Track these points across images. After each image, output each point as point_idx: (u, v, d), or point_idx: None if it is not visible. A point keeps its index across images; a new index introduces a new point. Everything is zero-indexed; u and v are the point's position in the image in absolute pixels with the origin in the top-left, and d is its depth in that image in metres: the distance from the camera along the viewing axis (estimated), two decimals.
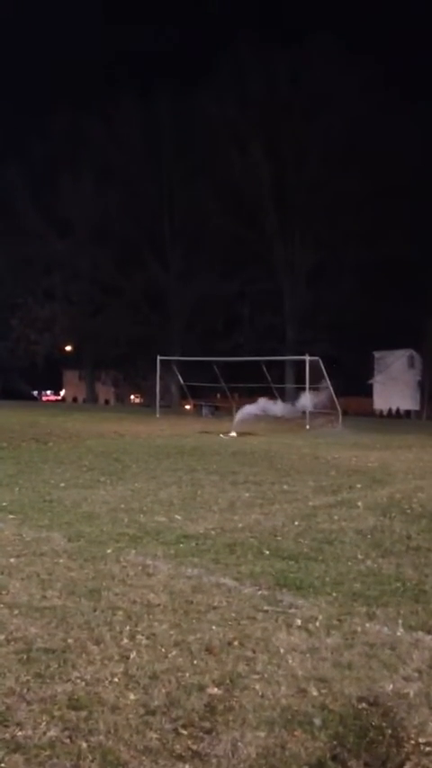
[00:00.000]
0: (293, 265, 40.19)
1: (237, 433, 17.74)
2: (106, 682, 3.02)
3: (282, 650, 3.44)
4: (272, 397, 23.42)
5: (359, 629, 3.78)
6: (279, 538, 5.87)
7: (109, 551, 5.27)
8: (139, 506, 7.20)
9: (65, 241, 44.74)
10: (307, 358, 22.88)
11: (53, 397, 67.53)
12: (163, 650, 3.37)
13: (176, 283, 43.98)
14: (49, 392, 68.30)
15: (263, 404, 20.51)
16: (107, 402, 57.29)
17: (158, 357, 28.85)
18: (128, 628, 3.67)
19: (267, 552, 5.34)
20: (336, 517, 6.82)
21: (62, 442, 14.29)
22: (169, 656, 3.32)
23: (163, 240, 43.77)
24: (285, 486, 8.71)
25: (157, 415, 27.13)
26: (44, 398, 65.38)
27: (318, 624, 3.82)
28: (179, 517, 6.65)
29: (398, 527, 6.42)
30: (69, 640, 3.47)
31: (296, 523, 6.49)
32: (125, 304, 44.23)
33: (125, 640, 3.49)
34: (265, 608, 4.06)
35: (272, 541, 5.72)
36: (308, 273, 39.68)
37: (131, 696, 2.90)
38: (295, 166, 38.42)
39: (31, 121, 52.79)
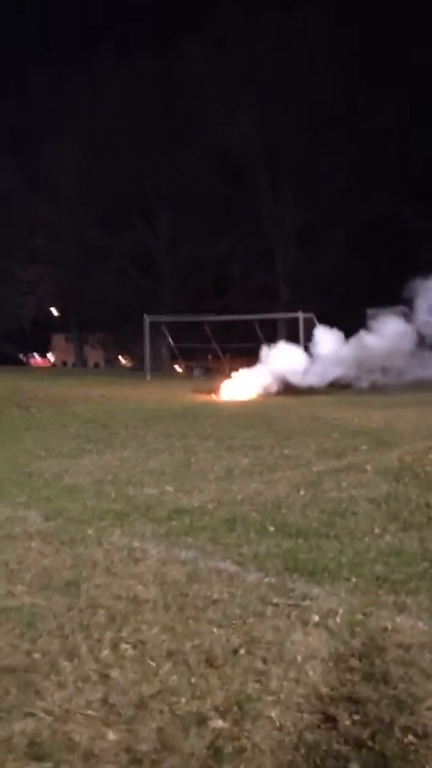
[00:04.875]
0: (284, 224, 39.13)
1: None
2: (79, 715, 2.36)
3: (299, 658, 2.79)
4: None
5: (389, 624, 3.13)
6: (284, 510, 5.20)
7: (91, 532, 4.60)
8: (128, 477, 6.53)
9: (48, 203, 43.42)
10: (301, 315, 22.13)
11: (42, 362, 66.56)
12: (153, 664, 2.71)
13: (165, 244, 42.91)
14: (36, 356, 67.24)
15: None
16: (97, 365, 56.55)
17: (147, 318, 28.01)
18: (110, 634, 3.00)
19: (272, 528, 4.67)
20: (344, 484, 6.16)
21: (46, 407, 13.57)
22: (161, 672, 2.66)
23: (150, 201, 42.54)
24: (286, 451, 8.04)
25: (148, 378, 26.43)
26: (32, 362, 64.40)
27: (339, 620, 3.16)
28: (171, 489, 5.98)
29: (414, 494, 5.77)
30: (36, 654, 2.80)
31: (301, 493, 5.83)
32: (112, 266, 43.20)
33: (106, 651, 2.83)
34: (275, 600, 3.40)
35: (276, 515, 5.06)
36: (299, 232, 38.64)
37: (111, 736, 2.24)
38: (285, 123, 37.10)
39: (8, 82, 50.69)
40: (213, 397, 17.14)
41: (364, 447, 8.32)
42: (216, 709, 2.40)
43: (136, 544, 4.32)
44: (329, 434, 9.49)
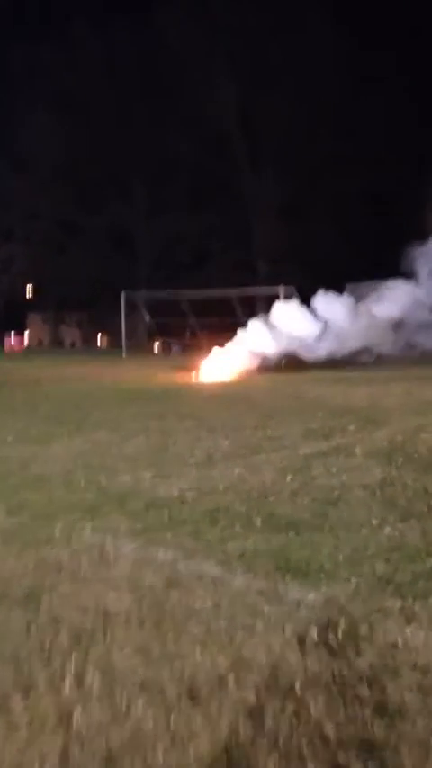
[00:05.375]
0: (264, 198, 38.50)
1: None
2: None
3: (297, 686, 2.35)
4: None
5: (399, 639, 2.70)
6: (271, 499, 4.76)
7: (58, 529, 4.12)
8: (100, 463, 6.06)
9: (22, 178, 42.24)
10: (281, 288, 21.65)
11: (15, 343, 65.46)
12: (123, 702, 2.25)
13: (142, 219, 42.13)
14: (12, 336, 66.11)
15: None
16: (73, 345, 55.75)
17: (124, 294, 27.38)
18: (74, 658, 2.54)
19: (259, 521, 4.23)
20: (334, 469, 5.73)
21: (17, 388, 13.03)
22: (133, 710, 2.21)
23: (127, 174, 41.63)
24: (269, 432, 7.61)
25: (124, 356, 25.87)
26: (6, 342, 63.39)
27: (341, 635, 2.73)
28: (148, 475, 5.52)
29: (409, 479, 5.36)
30: None
31: (288, 479, 5.39)
32: (88, 242, 42.36)
33: (68, 683, 2.37)
34: (265, 609, 2.97)
35: (263, 505, 4.61)
36: (279, 206, 38.04)
37: None
38: (264, 92, 36.28)
39: None
40: (193, 376, 16.65)
41: (352, 427, 7.91)
42: (200, 761, 1.96)
43: (108, 543, 3.85)
44: (314, 414, 9.06)
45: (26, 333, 65.95)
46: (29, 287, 54.14)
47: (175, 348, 30.44)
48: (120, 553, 3.68)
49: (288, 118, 35.34)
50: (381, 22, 32.38)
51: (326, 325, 16.64)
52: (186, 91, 36.62)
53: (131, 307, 29.50)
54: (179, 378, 16.69)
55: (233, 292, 24.88)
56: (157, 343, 36.57)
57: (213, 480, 5.37)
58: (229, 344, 17.91)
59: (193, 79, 36.41)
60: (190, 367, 17.93)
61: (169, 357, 28.26)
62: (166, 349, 34.53)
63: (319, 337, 16.54)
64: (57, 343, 54.02)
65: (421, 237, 17.70)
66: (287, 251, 37.02)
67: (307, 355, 16.61)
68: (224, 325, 25.60)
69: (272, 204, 38.36)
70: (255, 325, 17.46)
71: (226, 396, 11.85)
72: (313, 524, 4.15)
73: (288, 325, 16.47)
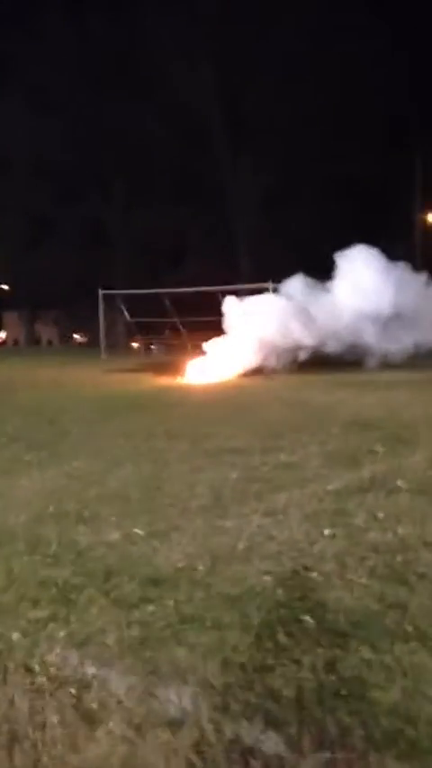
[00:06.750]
0: (246, 190, 37.18)
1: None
2: None
3: None
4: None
5: None
6: (315, 577, 3.43)
7: (13, 640, 2.78)
8: (77, 508, 4.71)
9: None
10: (270, 285, 20.37)
11: None
12: None
13: (119, 214, 40.68)
14: None
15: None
16: (50, 343, 54.31)
17: (101, 292, 25.95)
18: None
19: (311, 621, 2.91)
20: (380, 514, 4.43)
21: None
22: None
23: (103, 167, 40.09)
24: (282, 456, 6.29)
25: (103, 356, 24.47)
26: None
27: None
28: (140, 531, 4.17)
29: None
30: None
31: (327, 533, 4.08)
32: (64, 238, 40.83)
33: None
34: None
35: (306, 588, 3.28)
36: (261, 198, 36.76)
37: None
38: (247, 82, 34.93)
39: None
40: (178, 378, 15.33)
41: (379, 448, 6.61)
42: None
43: (89, 674, 2.51)
44: (328, 429, 7.76)
45: (1, 332, 64.32)
46: (4, 285, 52.44)
47: (156, 347, 29.02)
48: (107, 703, 2.34)
49: (271, 107, 34.03)
50: (369, 7, 31.09)
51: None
52: (165, 78, 35.14)
53: (110, 304, 28.07)
54: (163, 381, 15.37)
55: (217, 289, 23.48)
56: (137, 343, 35.11)
57: (227, 536, 4.05)
58: (216, 342, 16.55)
59: (171, 66, 34.93)
60: (174, 368, 16.61)
61: (150, 357, 26.87)
62: (146, 348, 33.09)
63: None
64: (33, 341, 52.40)
65: (408, 230, 16.41)
66: (270, 245, 35.76)
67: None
68: (208, 323, 24.24)
69: (253, 197, 37.08)
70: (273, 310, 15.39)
71: (219, 404, 10.54)
72: (391, 630, 2.83)
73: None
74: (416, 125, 33.91)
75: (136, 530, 4.20)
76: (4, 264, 43.83)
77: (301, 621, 2.88)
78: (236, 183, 37.25)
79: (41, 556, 3.77)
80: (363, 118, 33.03)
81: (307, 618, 2.90)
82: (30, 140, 39.25)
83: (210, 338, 17.23)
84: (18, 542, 4.01)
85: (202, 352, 16.59)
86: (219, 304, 25.08)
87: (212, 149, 36.50)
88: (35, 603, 3.14)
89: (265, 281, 22.40)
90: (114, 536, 4.11)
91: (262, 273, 29.21)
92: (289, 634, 2.78)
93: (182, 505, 4.76)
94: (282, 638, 2.76)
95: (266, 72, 33.78)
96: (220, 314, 23.78)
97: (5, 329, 64.75)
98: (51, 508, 4.72)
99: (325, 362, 16.08)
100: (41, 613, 3.03)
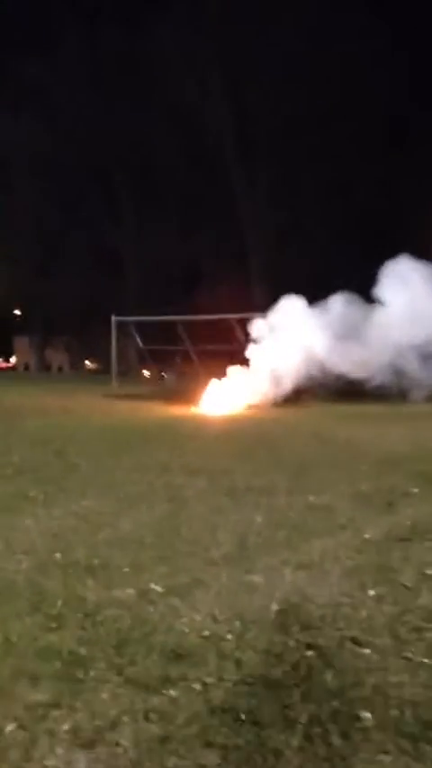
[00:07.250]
0: (260, 220, 36.93)
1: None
2: None
3: None
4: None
5: None
6: (368, 654, 2.89)
7: (6, 739, 2.26)
8: (87, 556, 4.19)
9: (4, 194, 40.44)
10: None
11: (2, 365, 63.80)
12: None
13: (131, 241, 40.55)
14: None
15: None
16: (60, 369, 54.01)
17: (113, 318, 25.61)
18: None
19: (371, 718, 2.37)
20: (428, 571, 3.90)
21: None
22: None
23: (116, 194, 40.06)
24: (311, 498, 5.77)
25: (114, 383, 24.03)
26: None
27: None
28: (158, 588, 3.65)
29: None
30: None
31: (371, 594, 3.55)
32: (76, 264, 40.64)
33: None
34: None
35: (360, 663, 2.76)
36: (276, 229, 36.48)
37: None
38: (260, 111, 34.79)
39: None
40: (192, 408, 14.84)
41: (413, 488, 6.09)
42: None
43: None
44: (356, 466, 7.24)
45: (13, 357, 64.24)
46: (16, 310, 52.36)
47: (168, 375, 28.57)
48: None
49: (285, 134, 33.86)
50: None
51: None
52: (180, 102, 35.07)
53: (121, 331, 27.70)
54: (176, 410, 14.87)
55: (234, 317, 23.05)
56: (148, 371, 34.68)
57: (257, 595, 3.53)
58: (233, 371, 16.06)
59: (184, 87, 34.86)
60: (187, 397, 16.13)
61: (163, 385, 26.41)
62: (158, 376, 32.66)
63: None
64: (44, 367, 52.11)
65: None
66: (284, 275, 35.39)
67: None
68: (220, 352, 23.79)
69: (268, 227, 36.81)
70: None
71: (237, 437, 10.02)
72: None
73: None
74: None
75: (153, 585, 3.68)
76: (16, 289, 43.69)
77: (359, 718, 2.34)
78: (251, 212, 36.99)
79: (44, 617, 3.26)
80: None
81: (366, 714, 2.36)
82: (42, 165, 39.22)
83: (222, 367, 16.76)
84: (19, 599, 3.50)
85: (216, 381, 16.09)
86: (232, 332, 24.75)
87: (226, 175, 36.28)
88: (34, 682, 2.63)
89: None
90: (128, 592, 3.59)
91: (277, 300, 28.87)
92: (344, 735, 2.25)
93: (203, 554, 4.24)
94: (336, 740, 2.23)
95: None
96: (232, 342, 23.39)
97: (16, 354, 64.67)
98: (57, 555, 4.21)
99: (358, 392, 14.94)
100: (42, 696, 2.52)
